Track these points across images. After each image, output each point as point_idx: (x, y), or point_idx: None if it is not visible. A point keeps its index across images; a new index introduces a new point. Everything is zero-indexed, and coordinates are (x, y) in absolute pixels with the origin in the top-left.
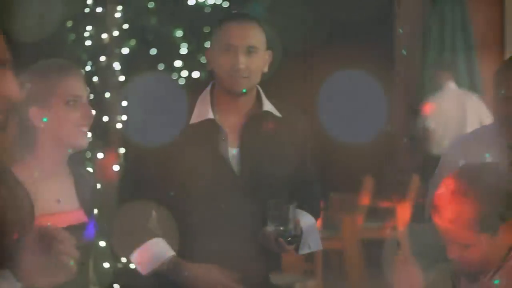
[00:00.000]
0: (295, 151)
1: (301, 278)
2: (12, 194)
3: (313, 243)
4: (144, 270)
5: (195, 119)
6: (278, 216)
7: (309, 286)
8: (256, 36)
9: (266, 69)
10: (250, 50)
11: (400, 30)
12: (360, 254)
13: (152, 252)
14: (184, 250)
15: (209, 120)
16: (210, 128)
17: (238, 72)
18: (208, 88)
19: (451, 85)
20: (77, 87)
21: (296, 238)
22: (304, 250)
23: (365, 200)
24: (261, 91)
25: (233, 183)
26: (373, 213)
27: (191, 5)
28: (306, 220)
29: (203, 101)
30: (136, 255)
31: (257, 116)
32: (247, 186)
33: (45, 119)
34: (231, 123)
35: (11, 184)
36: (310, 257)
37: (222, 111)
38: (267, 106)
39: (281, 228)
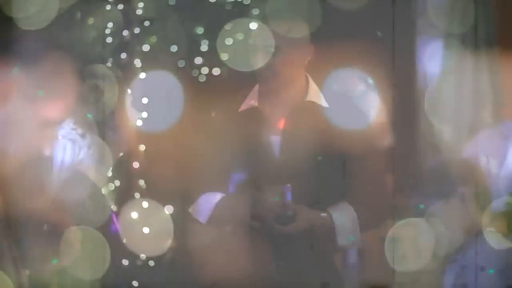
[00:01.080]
0: (337, 143)
1: None
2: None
3: (352, 235)
4: (203, 219)
5: (243, 107)
6: (276, 197)
7: None
8: (281, 34)
9: (305, 62)
10: (269, 50)
11: None
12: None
13: (205, 201)
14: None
15: (253, 108)
16: (253, 115)
17: (260, 73)
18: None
19: None
20: None
21: (290, 220)
22: (343, 242)
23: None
24: (310, 80)
25: (272, 167)
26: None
27: (212, 2)
28: (343, 212)
29: (253, 91)
30: (192, 208)
31: (299, 106)
32: (285, 172)
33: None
34: (274, 111)
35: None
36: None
37: (267, 100)
38: (312, 96)
39: (276, 209)
